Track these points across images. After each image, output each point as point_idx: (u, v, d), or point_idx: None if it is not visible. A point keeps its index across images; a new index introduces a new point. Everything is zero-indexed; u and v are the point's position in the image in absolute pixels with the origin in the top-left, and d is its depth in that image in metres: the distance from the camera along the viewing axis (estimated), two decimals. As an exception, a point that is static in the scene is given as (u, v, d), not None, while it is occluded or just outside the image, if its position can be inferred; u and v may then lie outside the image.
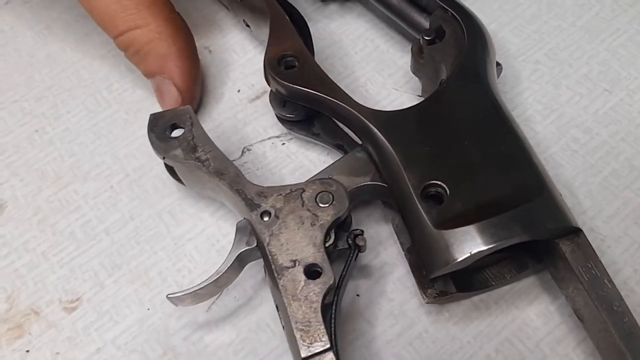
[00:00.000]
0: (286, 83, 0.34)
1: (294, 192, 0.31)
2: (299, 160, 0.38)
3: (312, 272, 0.29)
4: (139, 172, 0.38)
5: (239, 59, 0.42)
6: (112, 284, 0.34)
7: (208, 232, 0.36)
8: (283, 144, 0.39)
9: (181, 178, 0.35)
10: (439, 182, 0.29)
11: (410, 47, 0.37)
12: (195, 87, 0.39)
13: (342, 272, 0.30)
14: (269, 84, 0.35)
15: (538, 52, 0.41)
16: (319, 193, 0.31)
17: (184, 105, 0.34)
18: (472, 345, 0.32)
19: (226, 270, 0.30)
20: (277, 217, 0.30)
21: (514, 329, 0.32)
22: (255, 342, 0.32)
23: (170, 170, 0.35)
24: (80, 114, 0.41)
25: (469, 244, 0.28)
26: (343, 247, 0.31)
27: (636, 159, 0.37)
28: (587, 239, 0.29)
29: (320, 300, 0.28)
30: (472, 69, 0.33)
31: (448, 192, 0.29)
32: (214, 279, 0.30)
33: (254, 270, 0.34)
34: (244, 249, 0.31)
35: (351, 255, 0.30)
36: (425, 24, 0.37)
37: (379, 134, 0.31)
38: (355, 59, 0.42)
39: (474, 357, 0.31)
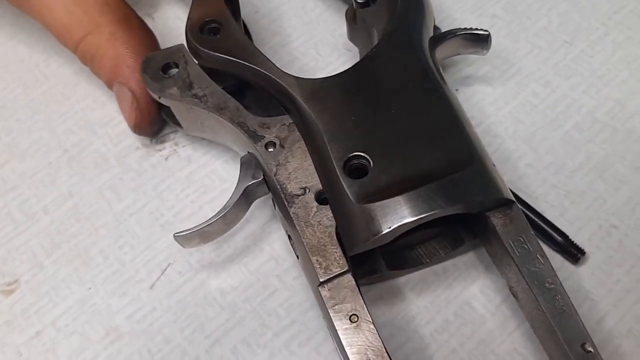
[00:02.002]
0: (206, 50, 0.32)
1: None
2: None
3: (324, 198, 0.28)
4: (78, 148, 0.36)
5: (183, 25, 0.40)
6: (51, 264, 0.33)
7: (151, 206, 0.34)
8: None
9: (179, 120, 0.33)
10: (362, 154, 0.28)
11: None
12: None
13: None
14: (190, 52, 0.33)
15: (495, 6, 0.39)
16: None
17: (143, 109, 0.33)
18: (429, 310, 0.30)
19: (233, 206, 0.29)
20: (282, 146, 0.29)
21: (475, 292, 0.30)
22: (202, 317, 0.31)
23: (168, 114, 0.33)
24: (17, 90, 0.38)
25: (390, 217, 0.26)
26: None
27: (599, 111, 0.35)
28: (520, 211, 0.27)
29: (334, 225, 0.27)
30: (404, 34, 0.31)
31: (372, 164, 0.27)
32: (221, 214, 0.29)
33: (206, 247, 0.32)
34: (250, 183, 0.30)
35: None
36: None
37: (302, 104, 0.29)
38: (305, 19, 0.40)
39: (431, 323, 0.30)
